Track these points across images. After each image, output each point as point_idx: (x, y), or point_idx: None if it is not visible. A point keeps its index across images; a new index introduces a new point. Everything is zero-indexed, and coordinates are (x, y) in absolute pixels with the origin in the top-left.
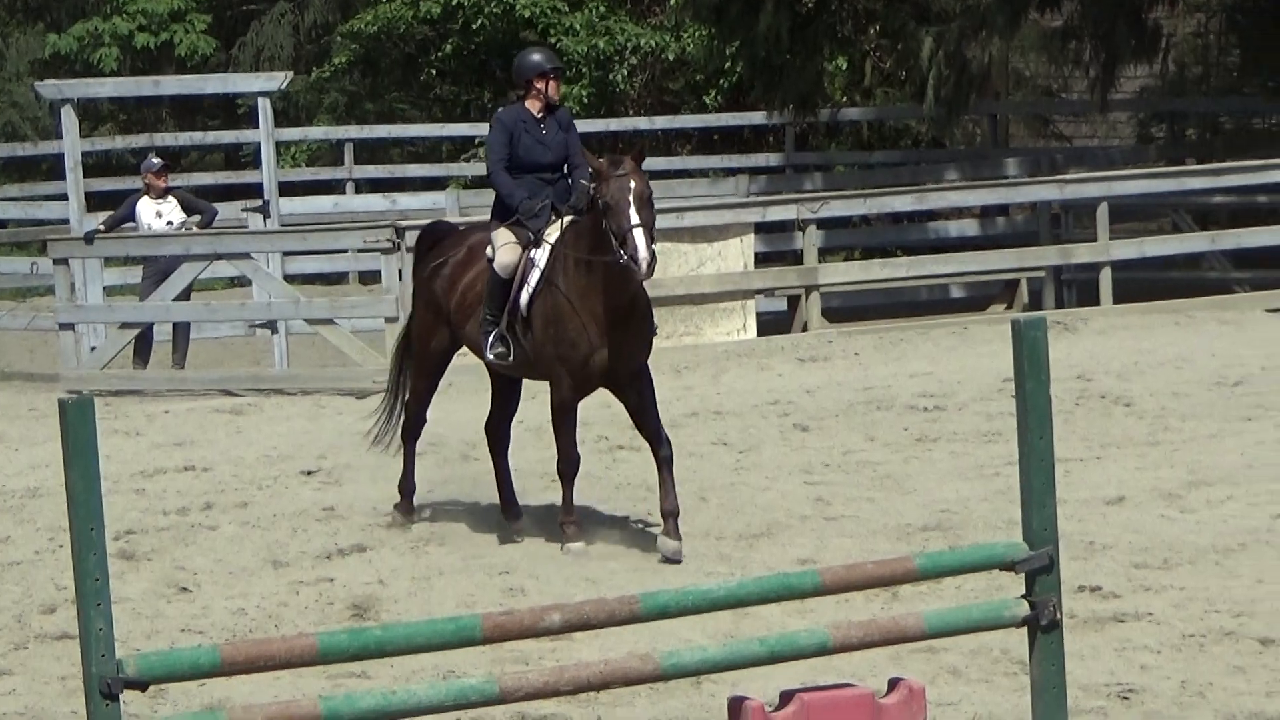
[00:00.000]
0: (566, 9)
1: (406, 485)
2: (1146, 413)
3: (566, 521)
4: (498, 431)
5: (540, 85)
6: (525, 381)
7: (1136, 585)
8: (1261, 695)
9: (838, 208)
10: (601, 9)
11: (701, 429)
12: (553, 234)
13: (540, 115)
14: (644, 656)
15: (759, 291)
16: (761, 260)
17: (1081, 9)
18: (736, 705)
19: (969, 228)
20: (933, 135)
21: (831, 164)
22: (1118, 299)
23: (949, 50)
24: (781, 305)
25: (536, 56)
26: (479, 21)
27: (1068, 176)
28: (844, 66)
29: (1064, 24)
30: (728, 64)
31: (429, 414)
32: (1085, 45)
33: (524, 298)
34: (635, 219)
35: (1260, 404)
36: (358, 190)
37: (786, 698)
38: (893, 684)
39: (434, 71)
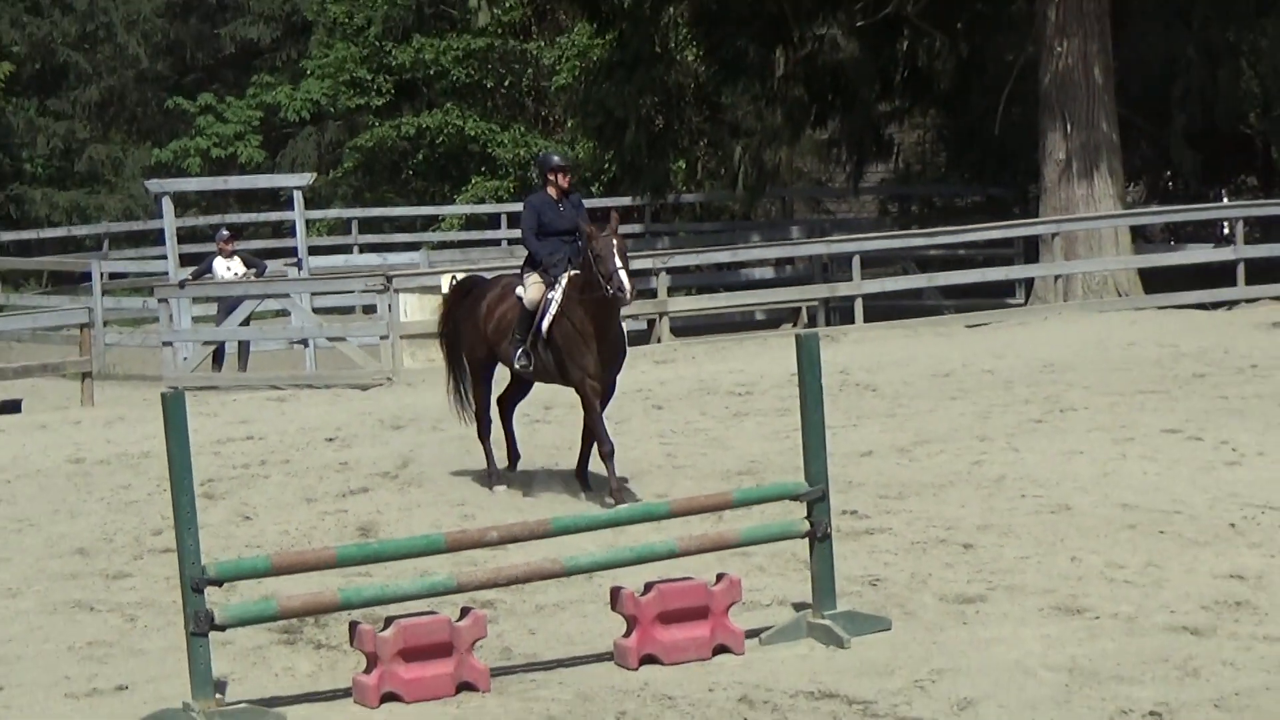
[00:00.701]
0: (499, 129)
1: (494, 472)
2: (886, 395)
3: (616, 489)
4: (509, 403)
5: (552, 176)
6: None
7: (880, 510)
8: (964, 583)
9: (680, 260)
10: (522, 129)
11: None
12: (564, 281)
13: (558, 198)
14: (554, 560)
15: (628, 317)
16: None
17: (841, 126)
18: (615, 592)
19: (768, 272)
20: (743, 211)
21: (676, 231)
22: (867, 319)
23: (752, 154)
24: (643, 325)
25: (555, 159)
26: (440, 138)
27: (833, 238)
28: (683, 166)
29: (829, 136)
30: (606, 164)
31: (492, 410)
32: (843, 151)
33: (545, 324)
34: (618, 263)
35: (960, 388)
36: (360, 251)
37: (649, 587)
38: (719, 577)
39: (411, 171)
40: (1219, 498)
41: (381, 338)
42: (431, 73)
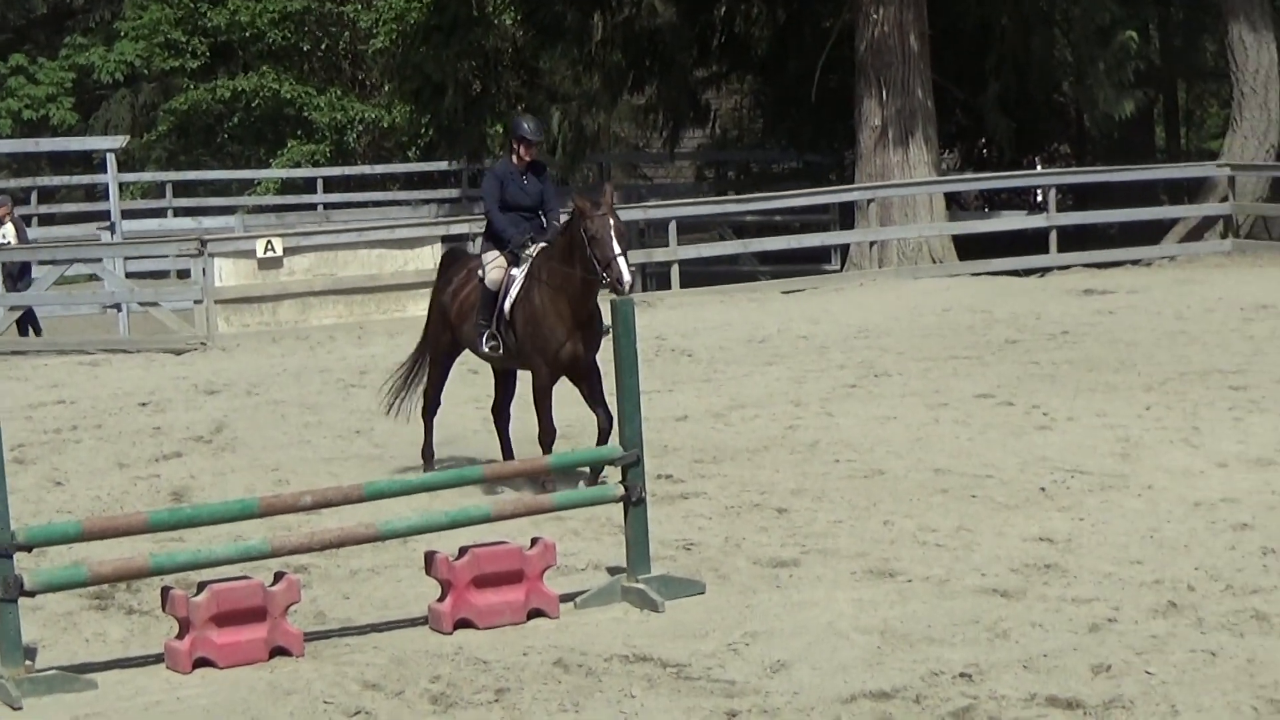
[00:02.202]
0: (316, 93)
1: (427, 450)
2: (702, 360)
3: (548, 480)
4: (502, 412)
5: (517, 146)
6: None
7: (695, 474)
8: (777, 547)
9: None
10: (339, 93)
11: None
12: (528, 259)
13: (522, 170)
14: (368, 525)
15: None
16: None
17: (659, 92)
18: (430, 556)
19: None
20: (562, 176)
21: None
22: (683, 285)
23: (571, 120)
24: None
25: (525, 127)
26: (256, 101)
27: (649, 204)
28: (500, 131)
29: (646, 102)
30: (423, 129)
31: (441, 398)
32: (660, 116)
33: (507, 305)
34: (617, 249)
35: (776, 354)
36: (175, 215)
37: (463, 551)
38: (534, 541)
39: (226, 135)
40: (1029, 462)
41: (195, 302)
42: (247, 35)
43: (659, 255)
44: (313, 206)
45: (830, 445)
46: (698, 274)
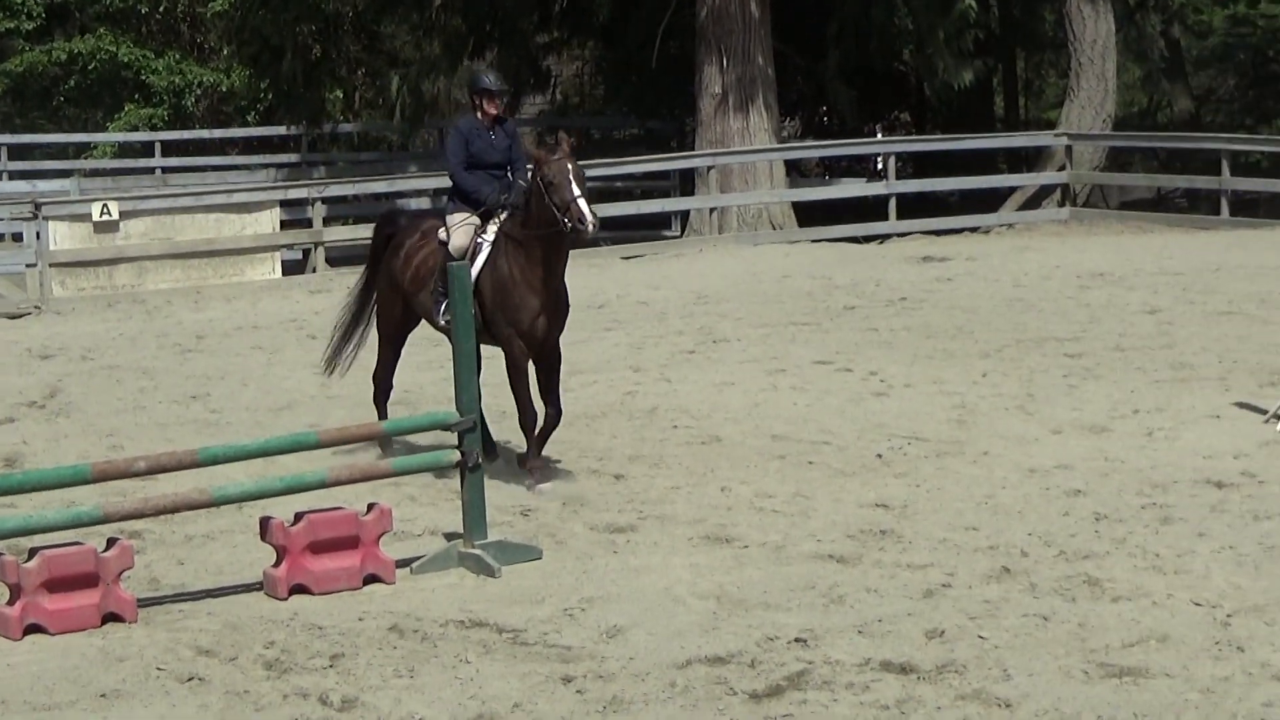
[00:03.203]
0: (154, 56)
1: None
2: None
3: (533, 466)
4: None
5: (478, 100)
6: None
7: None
8: (615, 513)
9: (336, 190)
10: (177, 56)
11: (244, 339)
12: (496, 223)
13: (489, 125)
14: (203, 490)
15: (283, 246)
16: (285, 225)
17: (499, 57)
18: (264, 522)
19: (425, 203)
20: (401, 141)
21: (334, 161)
22: None
23: (411, 85)
24: (299, 255)
25: (485, 80)
26: (93, 64)
27: None
28: (340, 95)
29: (488, 66)
30: (262, 93)
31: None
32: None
33: (474, 272)
34: (576, 191)
35: (615, 319)
36: (10, 179)
37: (299, 517)
38: (370, 507)
39: (62, 98)
40: (866, 429)
41: (29, 266)
42: None
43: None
44: (150, 170)
45: (668, 411)
46: None
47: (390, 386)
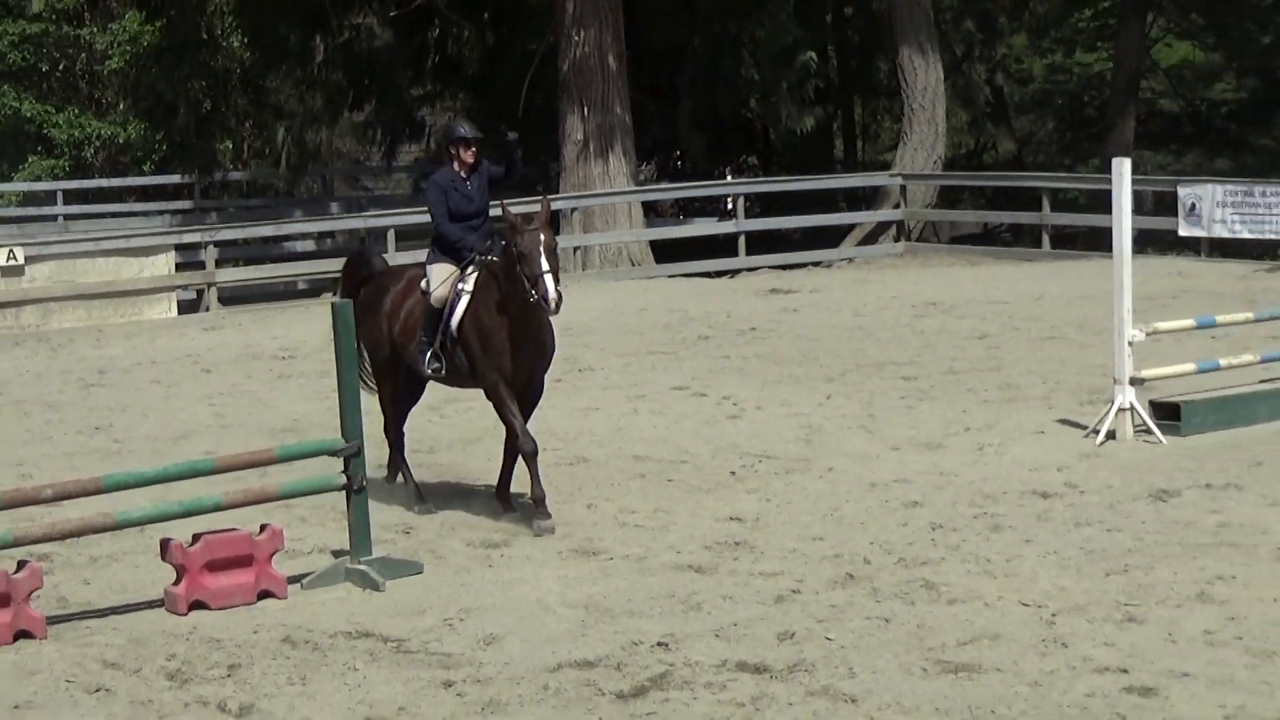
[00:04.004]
0: (55, 110)
1: (393, 462)
2: None
3: (536, 498)
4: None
5: (455, 150)
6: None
7: (413, 464)
8: (489, 530)
9: (226, 234)
10: (77, 111)
11: (143, 374)
12: (478, 270)
13: (465, 174)
14: (107, 515)
15: (178, 287)
16: (180, 267)
17: (377, 109)
18: (164, 543)
19: (310, 245)
20: (287, 188)
21: (225, 207)
22: None
23: (295, 135)
24: (193, 295)
25: (460, 129)
26: None
27: (369, 213)
28: (230, 146)
29: (366, 119)
30: (157, 144)
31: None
32: (379, 132)
33: (454, 322)
34: (545, 266)
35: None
36: None
37: (196, 538)
38: (263, 528)
39: None
40: (721, 448)
41: None
42: None
43: (378, 263)
44: (53, 218)
45: (538, 435)
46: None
47: (401, 417)
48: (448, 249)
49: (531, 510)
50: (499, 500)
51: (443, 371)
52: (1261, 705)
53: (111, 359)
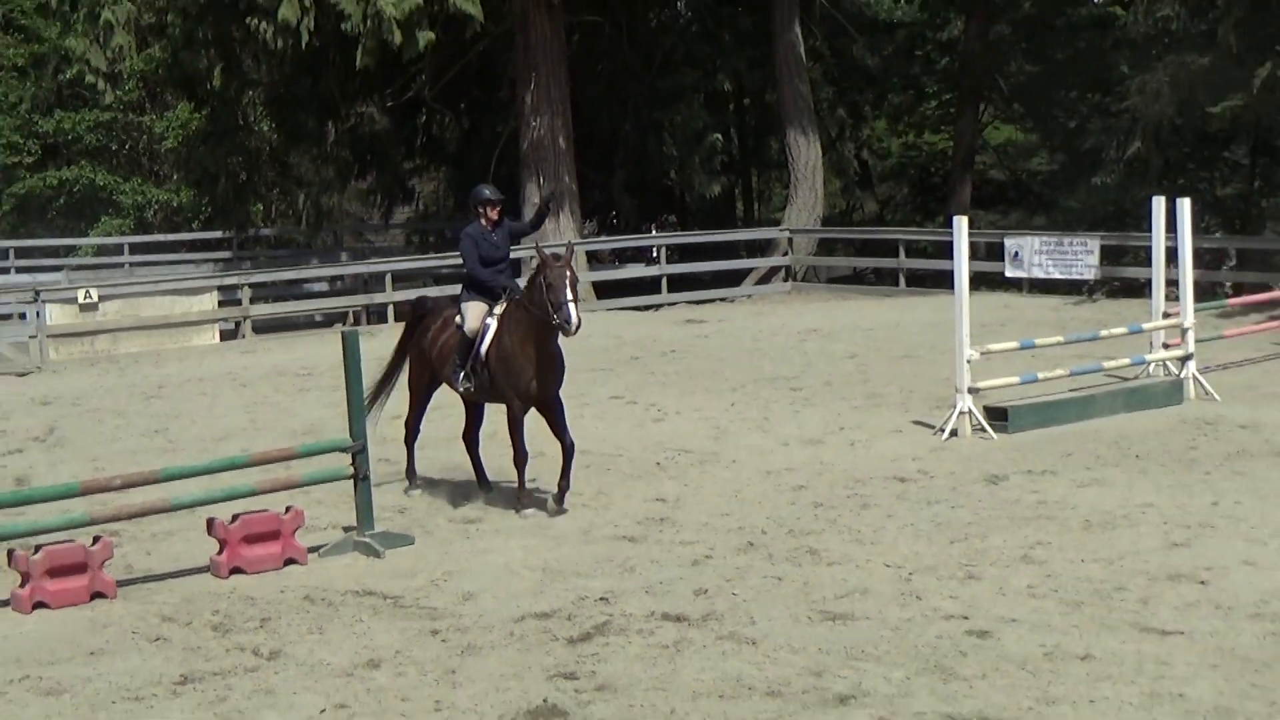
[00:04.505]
0: (122, 181)
1: (410, 470)
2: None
3: (522, 495)
4: (471, 437)
5: (482, 209)
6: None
7: (405, 455)
8: (467, 509)
9: (259, 277)
10: (139, 180)
11: (192, 388)
12: (500, 307)
13: (490, 228)
14: (165, 499)
15: (220, 319)
16: (222, 304)
17: (377, 179)
18: (210, 522)
19: (324, 286)
20: (306, 241)
21: (257, 256)
22: (396, 320)
23: (313, 200)
24: (232, 326)
25: (486, 192)
26: (77, 187)
27: (371, 261)
28: (261, 208)
29: (368, 186)
30: (203, 207)
31: (421, 425)
32: (379, 197)
33: (484, 349)
34: (569, 295)
35: None
36: (16, 272)
37: (235, 517)
38: (288, 509)
39: (55, 212)
40: (649, 445)
41: (31, 338)
42: (70, 137)
43: (378, 299)
44: (121, 265)
45: (503, 437)
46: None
47: (418, 431)
48: (480, 288)
49: (518, 496)
50: (478, 481)
51: (472, 389)
52: (1072, 644)
53: (167, 376)
